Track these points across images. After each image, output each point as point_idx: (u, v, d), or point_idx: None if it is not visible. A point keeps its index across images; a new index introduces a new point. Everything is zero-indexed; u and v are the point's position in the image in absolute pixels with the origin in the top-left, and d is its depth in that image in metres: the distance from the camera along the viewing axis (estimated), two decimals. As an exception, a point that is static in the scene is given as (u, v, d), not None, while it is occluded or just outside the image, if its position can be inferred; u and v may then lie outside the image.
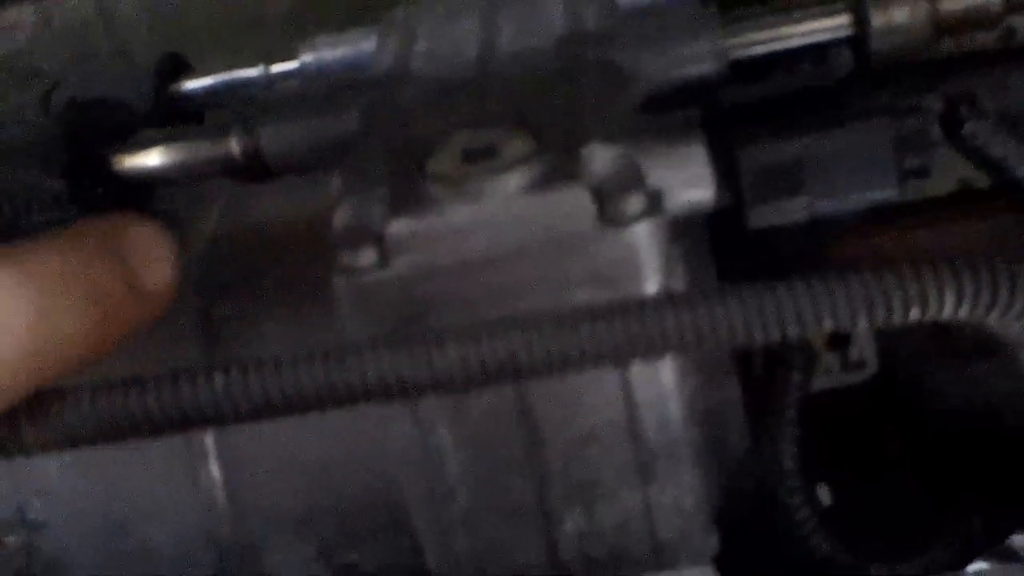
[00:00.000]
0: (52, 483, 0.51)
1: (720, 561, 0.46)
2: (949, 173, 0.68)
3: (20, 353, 0.37)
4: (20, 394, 0.38)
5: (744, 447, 0.48)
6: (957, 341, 0.51)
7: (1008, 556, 0.51)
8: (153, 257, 0.41)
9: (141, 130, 0.55)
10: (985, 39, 0.59)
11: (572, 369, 0.39)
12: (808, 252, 0.52)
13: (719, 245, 0.48)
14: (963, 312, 0.37)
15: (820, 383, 0.47)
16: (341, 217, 0.42)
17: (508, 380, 0.40)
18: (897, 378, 0.49)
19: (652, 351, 0.38)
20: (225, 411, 0.39)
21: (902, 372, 0.50)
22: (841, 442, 0.53)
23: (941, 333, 0.51)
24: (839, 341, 0.46)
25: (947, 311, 0.37)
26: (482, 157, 0.42)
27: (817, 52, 0.49)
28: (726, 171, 0.42)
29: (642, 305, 0.38)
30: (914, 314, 0.37)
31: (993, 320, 0.38)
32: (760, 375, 0.47)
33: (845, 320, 0.37)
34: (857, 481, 0.52)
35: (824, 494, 0.51)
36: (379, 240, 0.41)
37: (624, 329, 0.38)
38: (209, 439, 0.49)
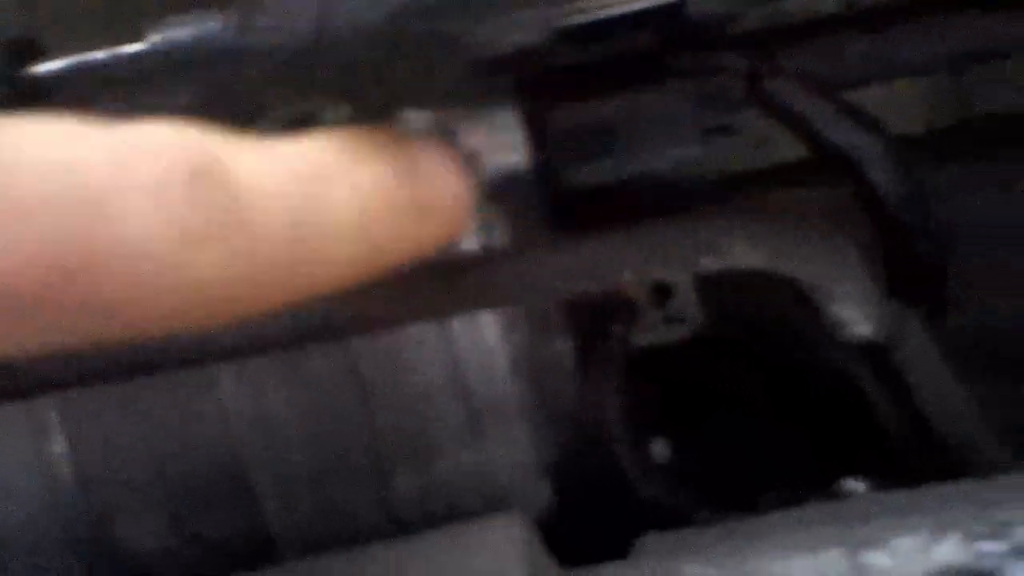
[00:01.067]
0: None
1: (554, 512, 0.48)
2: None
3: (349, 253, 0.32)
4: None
5: (575, 401, 0.50)
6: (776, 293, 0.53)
7: (838, 497, 0.53)
8: (440, 173, 0.35)
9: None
10: (827, 5, 0.61)
11: (390, 325, 0.40)
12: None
13: (559, 208, 0.50)
14: (755, 259, 0.39)
15: (644, 338, 0.48)
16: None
17: (331, 337, 0.41)
18: (727, 331, 0.51)
19: (461, 306, 0.39)
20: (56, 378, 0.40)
21: (731, 325, 0.51)
22: (681, 396, 0.55)
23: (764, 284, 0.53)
24: (661, 296, 0.47)
25: (740, 258, 0.39)
26: (303, 123, 0.43)
27: (642, 18, 0.51)
28: (538, 135, 0.44)
29: (449, 261, 0.39)
30: (709, 262, 0.39)
31: (784, 266, 0.40)
32: (586, 327, 0.49)
33: (644, 268, 0.39)
34: (695, 435, 0.54)
35: (662, 449, 0.53)
36: None
37: (435, 285, 0.39)
38: (53, 413, 0.50)
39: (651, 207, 0.55)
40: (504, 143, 0.43)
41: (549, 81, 0.44)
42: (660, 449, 0.52)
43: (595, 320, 0.48)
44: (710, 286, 0.48)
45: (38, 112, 0.54)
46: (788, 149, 0.69)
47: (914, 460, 0.48)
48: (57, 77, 0.61)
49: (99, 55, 0.62)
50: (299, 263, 0.30)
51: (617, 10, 0.50)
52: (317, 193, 0.31)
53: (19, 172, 0.26)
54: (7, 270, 0.26)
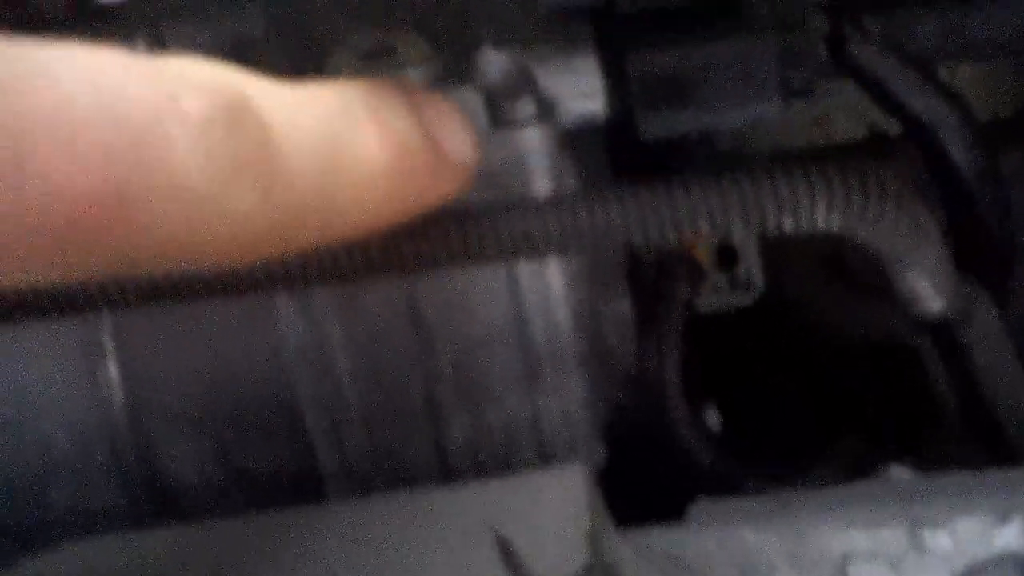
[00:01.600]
0: None
1: (607, 472, 0.47)
2: (859, 118, 0.70)
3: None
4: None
5: (633, 364, 0.49)
6: (848, 273, 0.52)
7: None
8: (454, 125, 0.35)
9: (51, 28, 0.55)
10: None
11: (457, 264, 0.40)
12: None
13: (624, 157, 0.49)
14: (834, 221, 0.38)
15: (709, 302, 0.48)
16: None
17: (395, 272, 0.40)
18: (786, 302, 0.51)
19: (532, 248, 0.39)
20: (112, 295, 0.40)
21: (790, 296, 0.51)
22: (732, 365, 0.54)
23: (833, 262, 0.52)
24: (727, 261, 0.47)
25: (820, 219, 0.38)
26: (379, 57, 0.43)
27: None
28: (618, 82, 0.43)
29: (522, 203, 0.39)
30: (788, 222, 0.38)
31: (864, 229, 0.39)
32: (649, 289, 0.48)
33: (719, 222, 0.38)
34: (746, 405, 0.54)
35: (713, 418, 0.52)
36: None
37: (506, 225, 0.39)
38: (107, 337, 0.50)
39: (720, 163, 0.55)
40: (582, 89, 0.43)
41: (629, 28, 0.44)
42: (711, 416, 0.52)
43: (660, 280, 0.48)
44: (775, 253, 0.47)
45: (106, 35, 0.54)
46: (845, 128, 0.69)
47: (967, 443, 0.47)
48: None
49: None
50: (329, 202, 0.31)
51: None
52: (345, 134, 0.32)
53: (74, 97, 0.26)
54: (68, 195, 0.26)
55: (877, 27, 0.46)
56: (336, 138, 0.31)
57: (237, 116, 0.28)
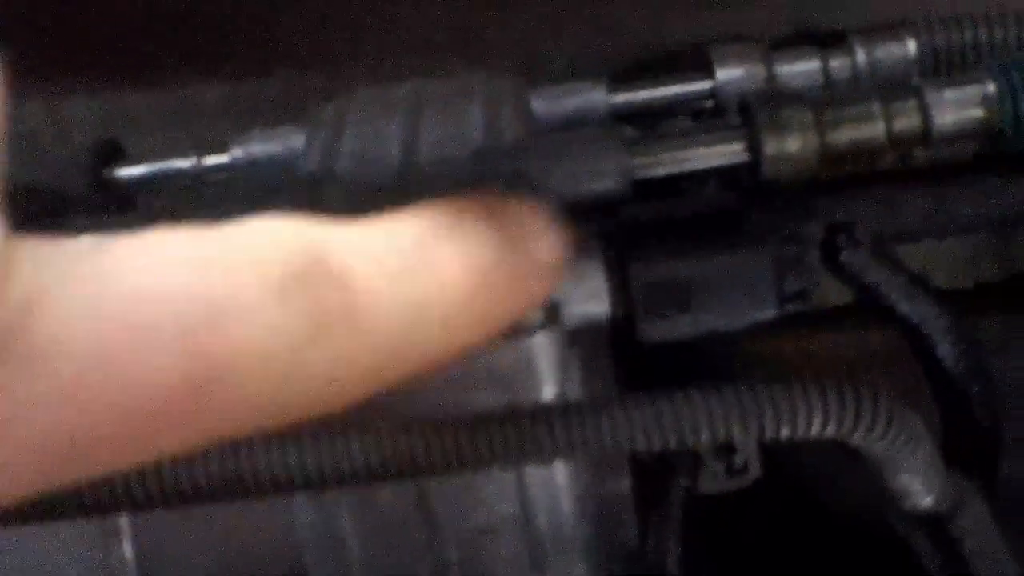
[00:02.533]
0: None
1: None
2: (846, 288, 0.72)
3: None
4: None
5: (634, 539, 0.51)
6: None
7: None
8: (538, 227, 0.33)
9: (74, 215, 0.57)
10: (883, 161, 0.63)
11: (469, 469, 0.42)
12: (705, 362, 0.55)
13: (622, 354, 0.51)
14: (829, 431, 0.41)
15: (706, 487, 0.49)
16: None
17: (409, 476, 0.42)
18: (782, 481, 0.52)
19: (543, 456, 0.41)
20: (137, 499, 0.41)
21: (786, 476, 0.52)
22: (730, 540, 0.56)
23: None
24: (723, 449, 0.48)
25: (815, 430, 0.41)
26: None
27: (716, 175, 0.53)
28: (620, 286, 0.46)
29: (534, 413, 0.41)
30: (785, 432, 0.41)
31: (856, 440, 0.41)
32: (651, 472, 0.50)
33: (721, 433, 0.40)
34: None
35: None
36: None
37: (517, 434, 0.41)
38: (123, 519, 0.51)
39: (706, 344, 0.57)
40: (588, 292, 0.45)
41: (632, 236, 0.46)
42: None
43: (659, 470, 0.50)
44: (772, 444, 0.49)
45: (121, 213, 0.56)
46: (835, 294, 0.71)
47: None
48: (139, 182, 0.64)
49: (181, 163, 0.64)
50: (416, 336, 0.30)
51: (694, 165, 0.52)
52: (426, 265, 0.30)
53: (135, 294, 0.26)
54: (144, 392, 0.26)
55: (868, 220, 0.49)
56: (417, 272, 0.30)
57: (315, 273, 0.28)
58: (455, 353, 0.31)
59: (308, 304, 0.27)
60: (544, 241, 0.33)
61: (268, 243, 0.28)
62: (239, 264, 0.27)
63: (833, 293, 0.69)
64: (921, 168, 0.63)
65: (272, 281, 0.27)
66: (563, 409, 0.41)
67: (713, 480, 0.48)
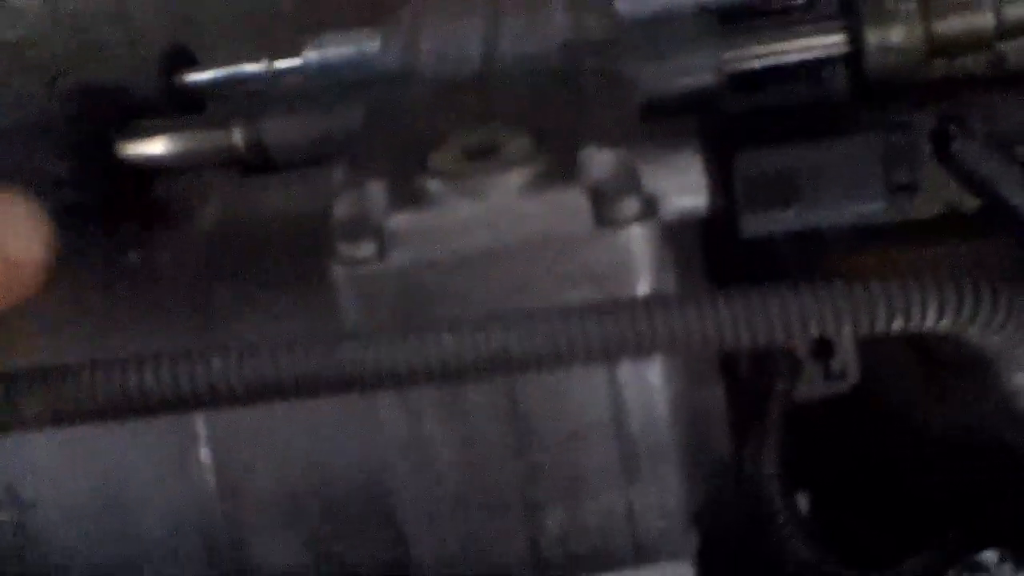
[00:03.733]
0: (43, 462, 0.51)
1: (700, 562, 0.47)
2: (936, 196, 0.70)
3: None
4: None
5: (727, 450, 0.49)
6: (936, 357, 0.52)
7: (978, 570, 0.52)
8: (25, 230, 0.37)
9: (145, 118, 0.56)
10: (975, 64, 0.60)
11: (562, 365, 0.40)
12: (799, 262, 0.53)
13: (713, 251, 0.50)
14: (944, 323, 0.38)
15: (802, 392, 0.48)
16: (342, 209, 0.43)
17: (500, 373, 0.40)
18: (878, 390, 0.50)
19: (640, 350, 0.39)
20: (221, 393, 0.40)
21: (883, 384, 0.51)
22: (823, 450, 0.54)
23: (921, 348, 0.52)
24: (822, 351, 0.47)
25: (929, 322, 0.38)
26: (483, 155, 0.43)
27: (815, 68, 0.51)
28: (720, 179, 0.43)
29: (633, 305, 0.39)
30: (897, 323, 0.38)
31: (973, 333, 0.39)
32: (745, 380, 0.48)
33: (831, 326, 0.38)
34: (837, 490, 0.53)
35: (802, 502, 0.52)
36: (379, 233, 0.42)
37: (614, 328, 0.39)
38: (200, 423, 0.50)
39: (798, 256, 0.55)
40: (687, 186, 0.43)
41: (734, 126, 0.44)
42: (801, 504, 0.51)
43: (756, 370, 0.48)
44: (872, 343, 0.47)
45: (203, 125, 0.55)
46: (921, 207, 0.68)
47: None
48: (210, 86, 0.62)
49: (252, 67, 0.62)
50: None
51: (793, 57, 0.50)
52: None
53: None
54: None
55: (981, 126, 0.46)
56: None
57: None
58: None
59: None
60: (24, 239, 0.37)
61: None
62: None
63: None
64: (1015, 74, 0.61)
65: None
66: (661, 302, 0.39)
67: (811, 384, 0.46)
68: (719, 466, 0.49)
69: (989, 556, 0.52)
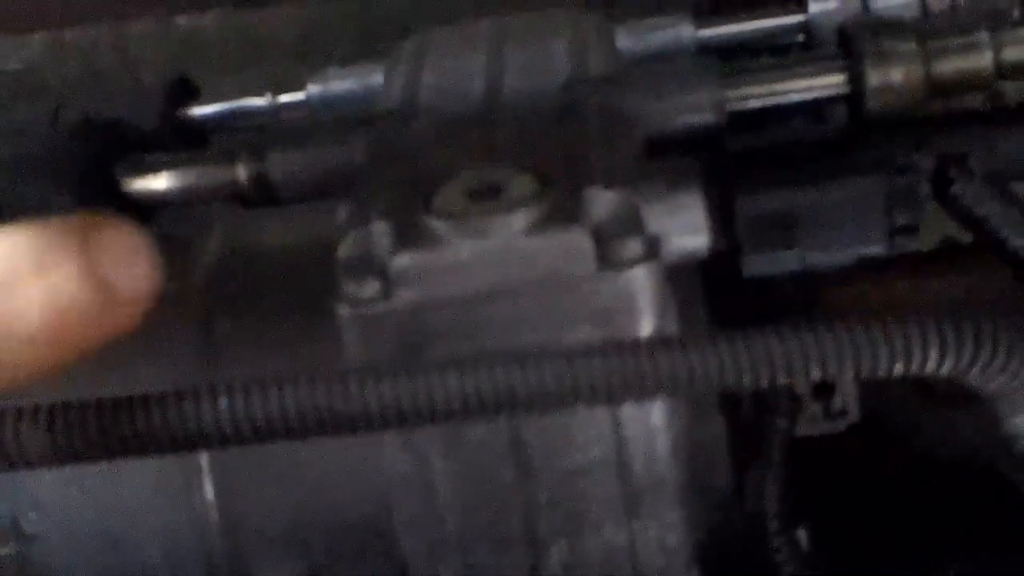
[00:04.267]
0: (47, 496, 0.52)
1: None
2: (934, 230, 0.70)
3: None
4: None
5: (729, 486, 0.50)
6: (933, 390, 0.53)
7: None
8: (129, 260, 0.36)
9: (149, 152, 0.56)
10: (973, 100, 0.61)
11: (566, 405, 0.40)
12: (799, 299, 0.54)
13: (714, 290, 0.50)
14: (946, 367, 0.39)
15: (803, 430, 0.48)
16: (346, 248, 0.43)
17: (504, 413, 0.41)
18: (878, 425, 0.51)
19: (644, 392, 0.39)
20: (226, 433, 0.40)
21: (883, 420, 0.51)
22: (824, 486, 0.54)
23: (918, 382, 0.53)
24: (823, 390, 0.47)
25: (930, 366, 0.39)
26: (487, 195, 0.43)
27: (814, 107, 0.51)
28: (722, 219, 0.44)
29: (637, 346, 0.39)
30: (898, 368, 0.39)
31: (974, 376, 0.39)
32: (748, 416, 0.48)
33: (832, 369, 0.38)
34: (837, 525, 0.54)
35: (802, 537, 0.52)
36: (383, 272, 0.42)
37: (617, 369, 0.39)
38: (204, 456, 0.50)
39: (797, 288, 0.55)
40: (688, 226, 0.43)
41: (737, 166, 0.45)
42: (801, 535, 0.52)
43: (756, 408, 0.48)
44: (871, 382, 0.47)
45: (208, 161, 0.55)
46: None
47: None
48: (213, 120, 0.62)
49: (256, 101, 0.63)
50: None
51: (793, 97, 0.50)
52: (5, 292, 0.33)
53: None
54: None
55: (979, 167, 0.47)
56: None
57: None
58: (33, 373, 0.34)
59: None
60: (131, 273, 0.35)
61: None
62: None
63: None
64: (1017, 110, 0.61)
65: None
66: (665, 343, 0.39)
67: (811, 422, 0.47)
68: (721, 502, 0.50)
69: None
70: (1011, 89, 0.63)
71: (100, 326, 0.36)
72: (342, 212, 0.45)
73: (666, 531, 0.46)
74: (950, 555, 0.53)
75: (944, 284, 0.61)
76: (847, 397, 0.47)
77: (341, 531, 0.50)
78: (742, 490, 0.48)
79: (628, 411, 0.44)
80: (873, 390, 0.53)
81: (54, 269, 0.34)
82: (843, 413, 0.47)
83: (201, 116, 0.62)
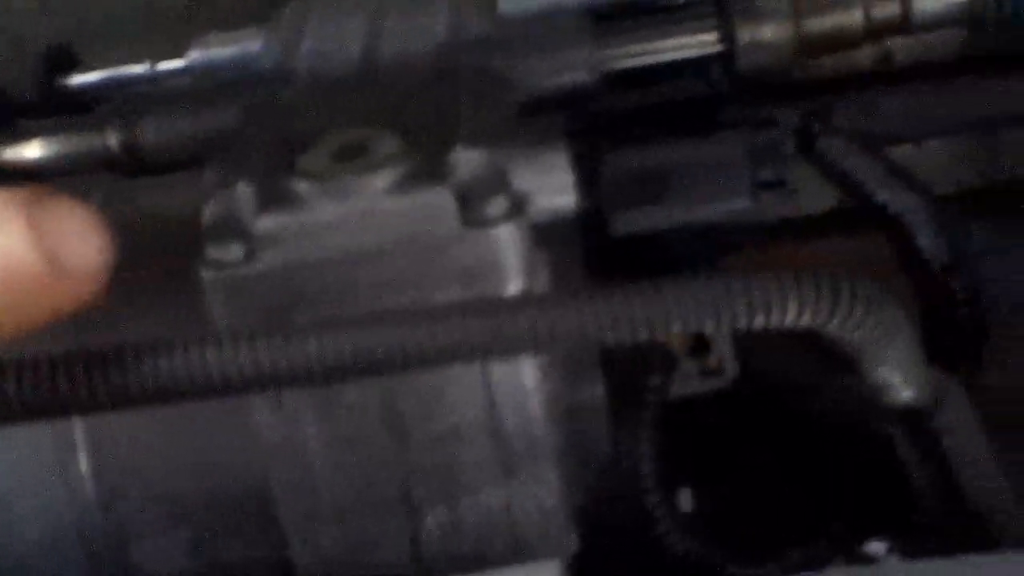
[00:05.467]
0: None
1: (581, 559, 0.47)
2: (829, 193, 0.71)
3: None
4: None
5: (607, 448, 0.50)
6: (832, 352, 0.53)
7: (862, 561, 0.52)
8: (78, 233, 0.35)
9: (20, 120, 0.55)
10: (863, 61, 0.61)
11: (431, 365, 0.40)
12: (690, 260, 0.54)
13: (593, 252, 0.50)
14: (805, 320, 0.39)
15: (680, 389, 0.48)
16: (211, 211, 0.43)
17: (369, 374, 0.40)
18: (758, 384, 0.51)
19: (506, 349, 0.39)
20: (84, 400, 0.39)
21: (763, 379, 0.51)
22: (706, 447, 0.54)
23: (801, 341, 0.53)
24: (699, 348, 0.47)
25: (790, 318, 0.39)
26: (352, 156, 0.43)
27: (693, 66, 0.51)
28: (590, 178, 0.44)
29: (498, 303, 0.39)
30: (759, 321, 0.39)
31: (833, 329, 0.39)
32: (623, 376, 0.49)
33: (692, 324, 0.38)
34: (720, 486, 0.54)
35: (685, 499, 0.52)
36: (246, 235, 0.42)
37: (480, 327, 0.39)
38: (79, 429, 0.49)
39: (691, 255, 0.55)
40: (554, 185, 0.43)
41: (602, 125, 0.44)
42: (684, 500, 0.52)
43: (631, 367, 0.48)
44: (746, 340, 0.47)
45: (79, 127, 0.54)
46: (817, 200, 0.69)
47: (943, 527, 0.47)
48: (94, 88, 0.61)
49: (136, 69, 0.62)
50: None
51: (667, 56, 0.50)
52: None
53: None
54: None
55: (845, 122, 0.47)
56: None
57: None
58: None
59: None
60: (80, 246, 0.34)
61: None
62: None
63: (808, 197, 0.68)
64: (901, 70, 0.62)
65: None
66: (527, 300, 0.39)
67: (687, 380, 0.47)
68: (600, 463, 0.50)
69: (876, 547, 0.52)
70: (900, 52, 0.64)
71: (49, 298, 0.35)
72: (207, 176, 0.45)
73: (542, 493, 0.46)
74: (835, 520, 0.54)
75: (834, 245, 0.62)
76: (724, 354, 0.47)
77: (221, 501, 0.50)
78: (619, 450, 0.48)
79: (499, 372, 0.44)
80: (768, 353, 0.53)
81: (3, 227, 0.33)
82: (720, 371, 0.47)
83: (81, 84, 0.61)
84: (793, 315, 0.39)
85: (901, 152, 0.62)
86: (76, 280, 0.35)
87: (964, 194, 0.70)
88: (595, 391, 0.49)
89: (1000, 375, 0.56)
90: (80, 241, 0.35)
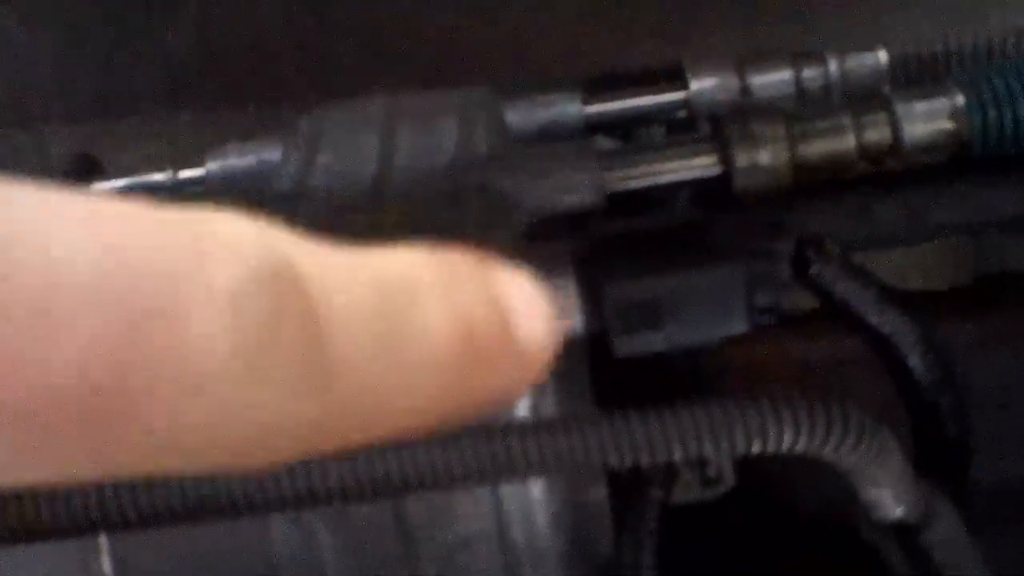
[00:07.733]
0: None
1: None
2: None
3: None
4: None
5: (610, 552, 0.51)
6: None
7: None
8: (529, 303, 0.28)
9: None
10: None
11: (442, 488, 0.42)
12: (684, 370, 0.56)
13: (600, 365, 0.52)
14: (800, 446, 0.41)
15: (679, 497, 0.50)
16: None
17: (383, 496, 0.42)
18: (755, 490, 0.53)
19: (515, 473, 0.41)
20: (112, 519, 0.42)
21: (759, 484, 0.53)
22: (705, 548, 0.56)
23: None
24: (700, 461, 0.49)
25: (785, 445, 0.41)
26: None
27: (689, 189, 0.53)
28: (594, 303, 0.46)
29: (507, 430, 0.41)
30: (756, 446, 0.41)
31: (827, 453, 0.42)
32: (624, 484, 0.50)
33: (692, 450, 0.41)
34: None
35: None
36: None
37: (490, 452, 0.41)
38: (102, 536, 0.51)
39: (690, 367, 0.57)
40: (559, 310, 0.45)
41: (604, 250, 0.47)
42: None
43: (635, 479, 0.50)
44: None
45: None
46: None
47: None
48: (116, 195, 0.64)
49: (157, 176, 0.64)
50: (378, 394, 0.25)
51: (667, 178, 0.53)
52: (407, 309, 0.25)
53: (50, 257, 0.20)
54: (38, 383, 0.20)
55: (837, 249, 0.49)
56: (396, 315, 0.25)
57: (276, 287, 0.22)
58: (417, 425, 0.26)
59: (259, 323, 0.22)
60: (535, 321, 0.28)
61: (225, 238, 0.22)
62: (201, 247, 0.21)
63: (807, 298, 0.70)
64: (894, 175, 0.64)
65: (219, 284, 0.21)
66: (535, 427, 0.41)
67: (687, 490, 0.49)
68: (604, 564, 0.51)
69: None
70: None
71: (499, 376, 0.27)
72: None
73: None
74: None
75: (831, 342, 0.63)
76: (722, 465, 0.49)
77: None
78: (621, 557, 0.50)
79: (507, 487, 0.46)
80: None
81: (461, 290, 0.26)
82: (718, 480, 0.49)
83: (104, 190, 0.63)
84: (789, 442, 0.41)
85: (896, 254, 0.64)
86: (527, 356, 0.27)
87: (956, 291, 0.72)
88: (599, 493, 0.51)
89: (988, 469, 0.58)
90: (532, 311, 0.28)
